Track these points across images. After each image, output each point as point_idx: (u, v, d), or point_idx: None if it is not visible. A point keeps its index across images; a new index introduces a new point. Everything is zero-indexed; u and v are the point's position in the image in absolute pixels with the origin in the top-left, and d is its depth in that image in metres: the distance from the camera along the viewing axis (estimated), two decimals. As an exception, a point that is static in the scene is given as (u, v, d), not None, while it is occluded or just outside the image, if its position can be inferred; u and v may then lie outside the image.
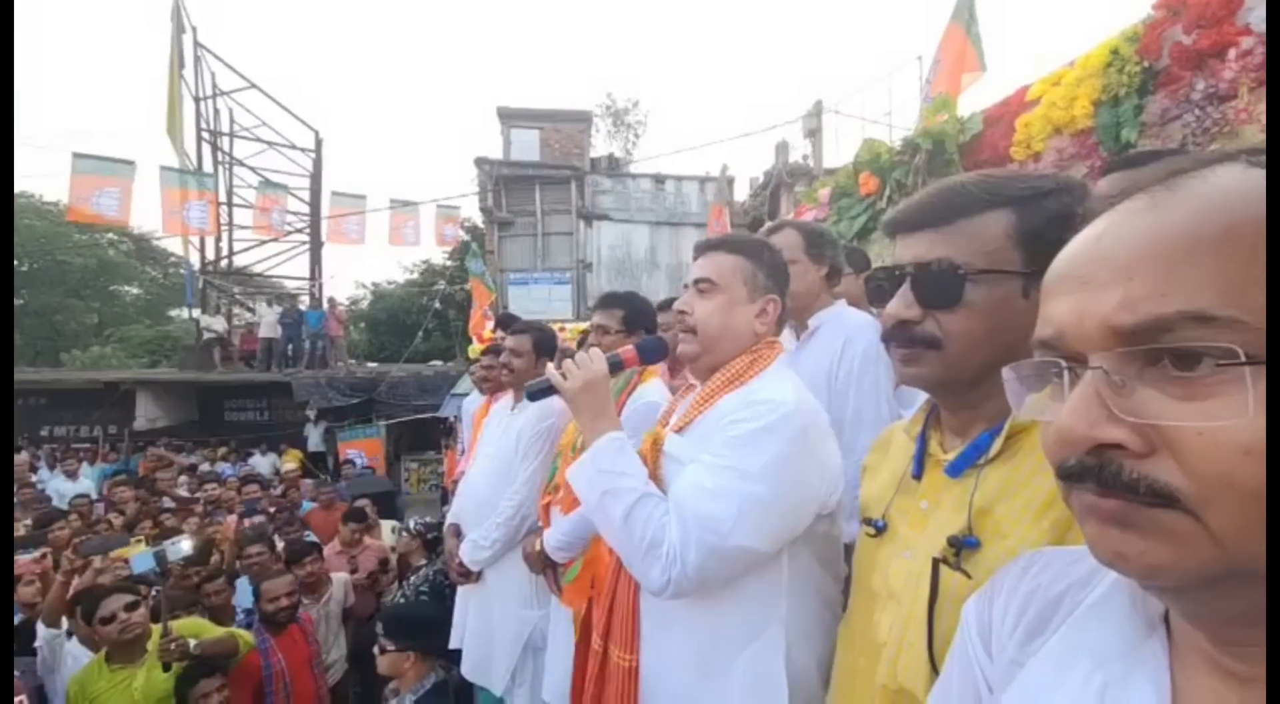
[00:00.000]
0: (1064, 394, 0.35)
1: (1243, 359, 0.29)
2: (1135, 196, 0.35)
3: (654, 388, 1.83)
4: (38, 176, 25.24)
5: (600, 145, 18.15)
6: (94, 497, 6.16)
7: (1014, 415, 0.68)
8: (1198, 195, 0.33)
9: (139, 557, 2.43)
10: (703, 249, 1.25)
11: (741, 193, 13.94)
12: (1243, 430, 0.29)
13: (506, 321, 2.54)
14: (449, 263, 19.04)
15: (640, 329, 1.96)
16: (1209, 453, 0.30)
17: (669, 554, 1.01)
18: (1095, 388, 0.33)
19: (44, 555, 2.82)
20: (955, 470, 0.71)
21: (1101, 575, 0.43)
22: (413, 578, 3.21)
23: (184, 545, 2.48)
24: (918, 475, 0.76)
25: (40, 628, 2.42)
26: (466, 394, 5.41)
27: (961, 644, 0.52)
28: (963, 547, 0.67)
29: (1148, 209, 0.34)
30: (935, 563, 0.68)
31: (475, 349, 7.70)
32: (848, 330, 1.70)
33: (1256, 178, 0.32)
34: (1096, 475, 0.33)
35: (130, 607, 2.24)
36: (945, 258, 0.68)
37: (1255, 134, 2.28)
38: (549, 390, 1.23)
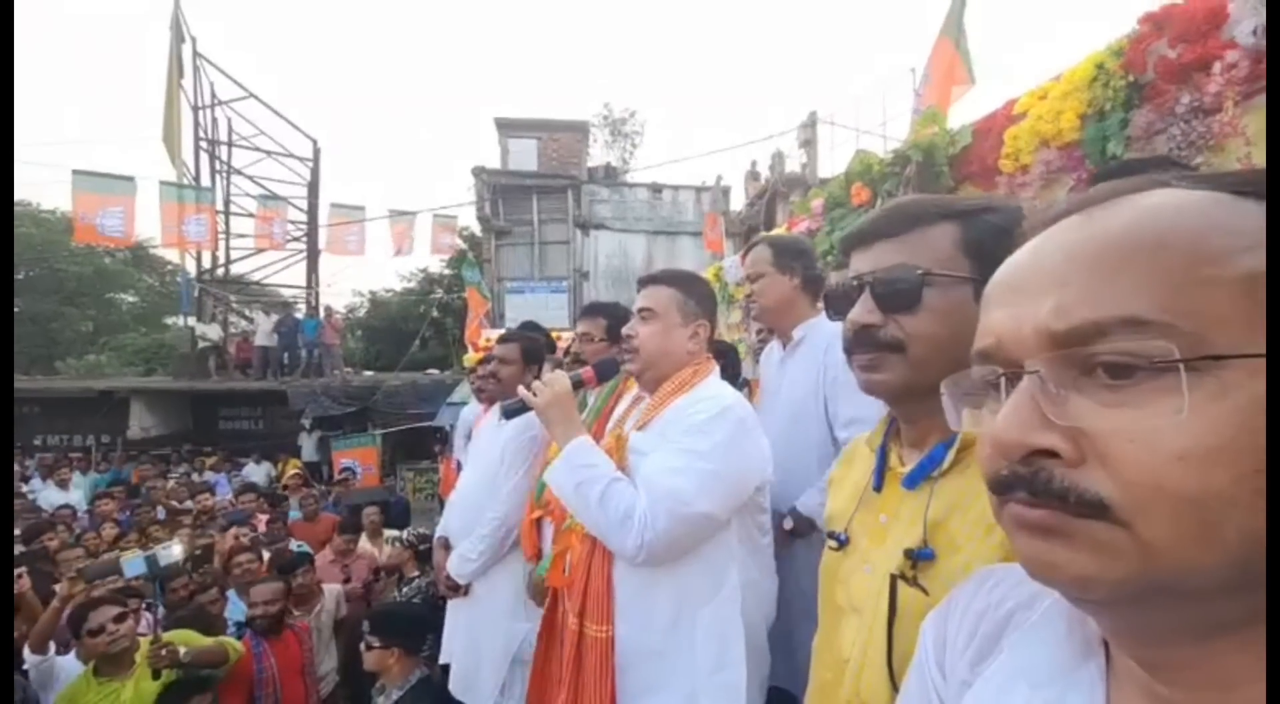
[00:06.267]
0: (1001, 404, 0.35)
1: (1177, 357, 0.29)
2: (1072, 215, 0.36)
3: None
4: (35, 185, 25.23)
5: (597, 155, 18.26)
6: (84, 507, 6.10)
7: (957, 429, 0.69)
8: (1132, 208, 0.34)
9: (130, 562, 2.43)
10: (644, 283, 1.49)
11: (737, 202, 14.00)
12: (1176, 435, 0.29)
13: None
14: (446, 271, 19.05)
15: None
16: (1140, 460, 0.29)
17: (641, 522, 1.20)
18: (1030, 394, 0.33)
19: (21, 575, 2.63)
20: (911, 482, 0.72)
21: (1044, 596, 0.43)
22: (405, 590, 3.20)
23: (175, 550, 2.49)
24: (878, 488, 0.77)
25: (26, 654, 2.36)
26: (463, 403, 5.40)
27: (918, 663, 0.52)
28: (919, 560, 0.67)
29: (1083, 223, 0.35)
30: (893, 580, 0.68)
31: (471, 358, 7.70)
32: (829, 337, 1.71)
33: (1190, 196, 0.33)
34: (1028, 484, 0.33)
35: (119, 618, 2.23)
36: (903, 263, 0.71)
37: (1240, 147, 2.30)
38: (523, 408, 1.40)
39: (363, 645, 2.25)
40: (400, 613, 2.40)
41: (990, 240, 0.69)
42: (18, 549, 3.68)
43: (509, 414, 1.44)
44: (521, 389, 1.40)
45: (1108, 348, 0.31)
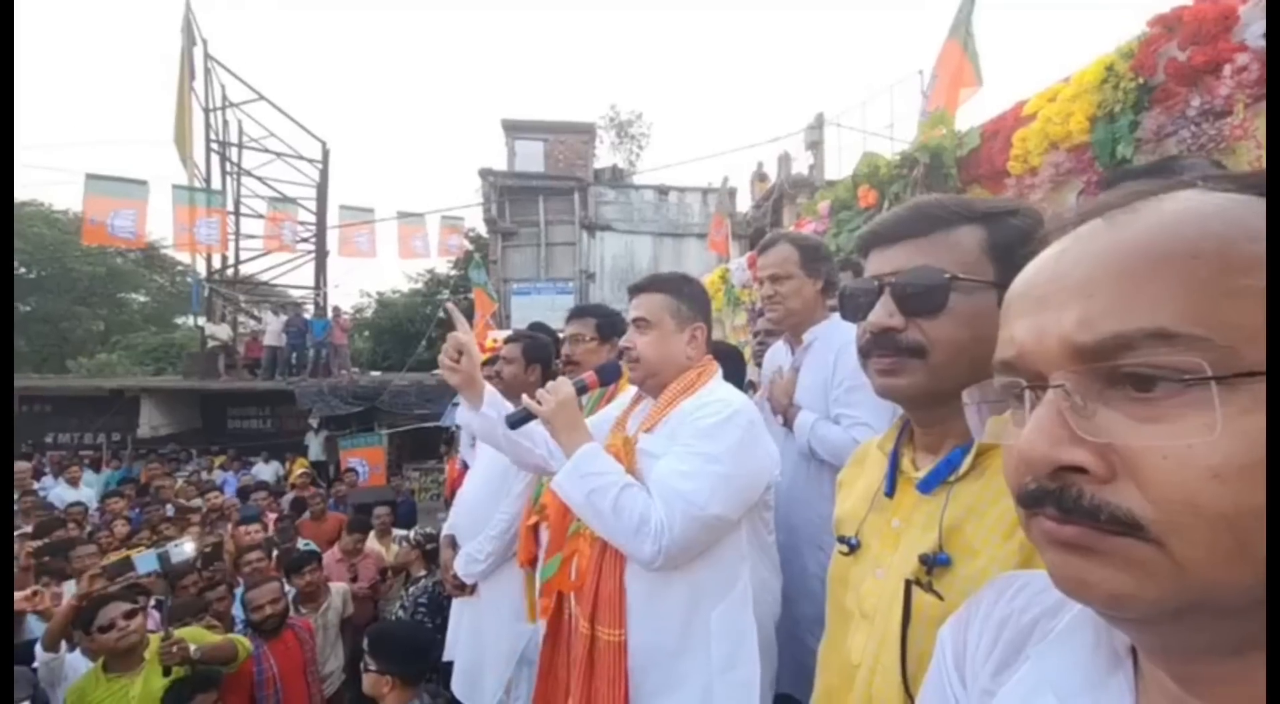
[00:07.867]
0: (1025, 416, 0.34)
1: (1209, 374, 0.28)
2: (1093, 220, 0.35)
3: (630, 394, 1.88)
4: (48, 186, 25.53)
5: (604, 157, 18.28)
6: (94, 505, 6.15)
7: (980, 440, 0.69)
8: (1158, 214, 0.32)
9: (142, 557, 2.46)
10: (635, 291, 1.48)
11: (744, 204, 14.00)
12: (1210, 452, 0.28)
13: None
14: (453, 272, 19.14)
15: (614, 336, 1.98)
16: (1173, 477, 0.29)
17: (657, 527, 1.19)
18: (1057, 408, 0.32)
19: (34, 593, 2.55)
20: (926, 487, 0.71)
21: (1070, 604, 0.42)
22: (411, 590, 3.21)
23: (187, 547, 2.51)
24: (890, 493, 0.75)
25: (39, 650, 2.37)
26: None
27: (936, 672, 0.51)
28: (934, 565, 0.66)
29: (1106, 229, 0.34)
30: (908, 585, 0.67)
31: (477, 358, 7.69)
32: (841, 343, 1.69)
33: (1215, 199, 0.32)
34: (1056, 500, 0.32)
35: (129, 615, 2.25)
36: (927, 265, 0.68)
37: (1251, 150, 2.28)
38: (528, 416, 1.38)
39: (361, 665, 2.14)
40: (402, 637, 2.23)
41: (1016, 245, 0.66)
42: (35, 543, 3.73)
43: (514, 423, 1.42)
44: (526, 397, 1.39)
45: (1135, 361, 0.30)
